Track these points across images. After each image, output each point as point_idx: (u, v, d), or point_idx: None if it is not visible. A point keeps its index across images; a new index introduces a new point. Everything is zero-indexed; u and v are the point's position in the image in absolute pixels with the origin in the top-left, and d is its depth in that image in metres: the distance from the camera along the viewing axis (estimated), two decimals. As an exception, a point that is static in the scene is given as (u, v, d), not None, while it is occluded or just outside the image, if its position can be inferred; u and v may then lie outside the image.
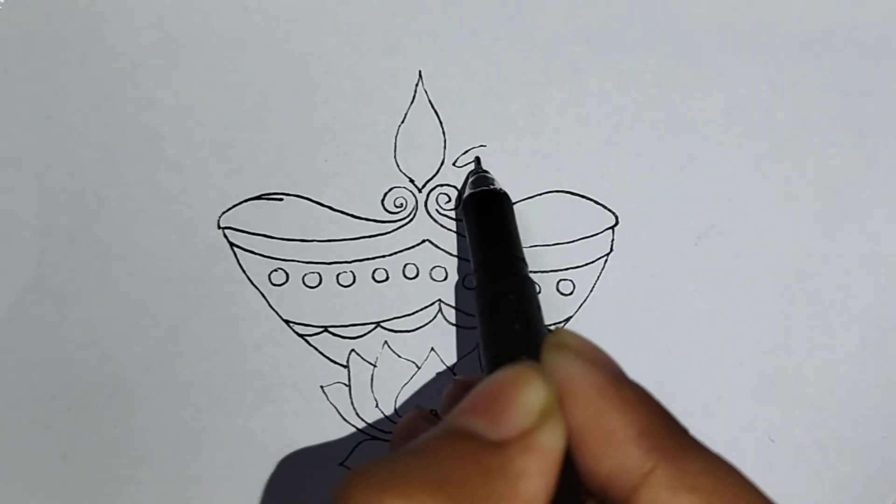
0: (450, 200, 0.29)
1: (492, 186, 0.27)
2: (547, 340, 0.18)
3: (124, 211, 0.29)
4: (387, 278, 0.30)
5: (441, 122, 0.29)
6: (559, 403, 0.18)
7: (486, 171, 0.28)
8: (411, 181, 0.29)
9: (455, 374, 0.31)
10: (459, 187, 0.29)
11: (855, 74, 0.29)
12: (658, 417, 0.17)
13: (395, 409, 0.31)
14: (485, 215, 0.26)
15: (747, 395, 0.31)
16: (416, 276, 0.30)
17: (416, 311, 0.30)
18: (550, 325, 0.30)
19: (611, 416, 0.17)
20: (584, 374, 0.18)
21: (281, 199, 0.29)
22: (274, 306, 0.30)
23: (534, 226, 0.29)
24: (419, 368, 0.31)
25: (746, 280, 0.30)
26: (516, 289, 0.23)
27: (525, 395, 0.17)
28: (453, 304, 0.30)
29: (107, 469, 0.31)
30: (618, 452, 0.17)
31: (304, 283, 0.29)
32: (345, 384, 0.31)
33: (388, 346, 0.30)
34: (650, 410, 0.17)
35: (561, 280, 0.30)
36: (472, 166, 0.29)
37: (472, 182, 0.28)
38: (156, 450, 0.31)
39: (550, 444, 0.17)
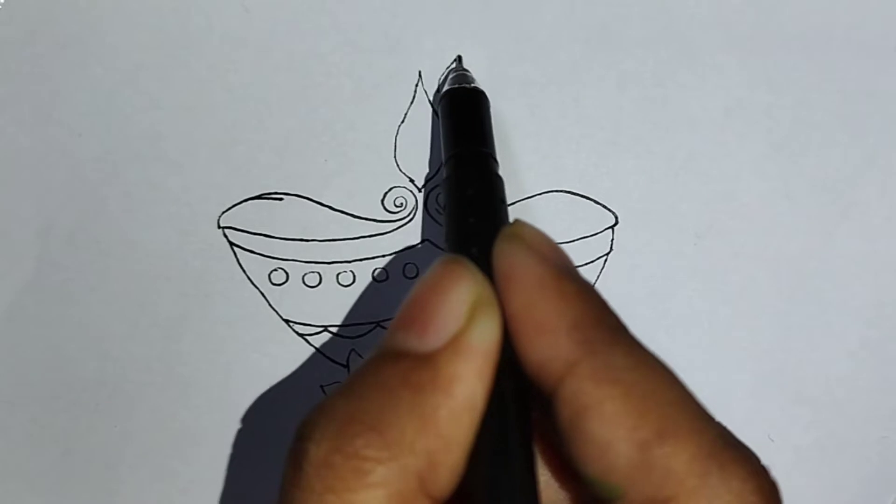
0: (450, 200, 0.29)
1: (470, 84, 0.26)
2: (502, 231, 0.18)
3: (124, 210, 0.29)
4: (387, 278, 0.30)
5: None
6: (496, 295, 0.17)
7: (467, 70, 0.28)
8: (411, 181, 0.29)
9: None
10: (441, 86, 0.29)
11: (855, 74, 0.29)
12: (594, 311, 0.17)
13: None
14: (459, 111, 0.26)
15: (747, 395, 0.31)
16: (417, 275, 0.30)
17: (416, 311, 0.30)
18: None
19: (546, 306, 0.17)
20: (528, 264, 0.18)
21: (281, 199, 0.29)
22: (274, 306, 0.30)
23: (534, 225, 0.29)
24: (419, 368, 0.31)
25: (746, 279, 0.30)
26: (478, 183, 0.23)
27: (451, 296, 0.17)
28: (453, 304, 0.30)
29: (107, 468, 0.31)
30: (548, 342, 0.17)
31: (304, 282, 0.29)
32: (345, 384, 0.31)
33: (388, 346, 0.30)
34: (587, 304, 0.17)
35: (561, 280, 0.30)
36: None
37: (452, 79, 0.27)
38: (156, 450, 0.31)
39: (481, 341, 0.17)
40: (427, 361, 0.16)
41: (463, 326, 0.17)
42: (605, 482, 0.16)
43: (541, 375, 0.17)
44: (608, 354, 0.16)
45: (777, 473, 0.32)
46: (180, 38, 0.28)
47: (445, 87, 0.27)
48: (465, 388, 0.16)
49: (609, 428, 0.16)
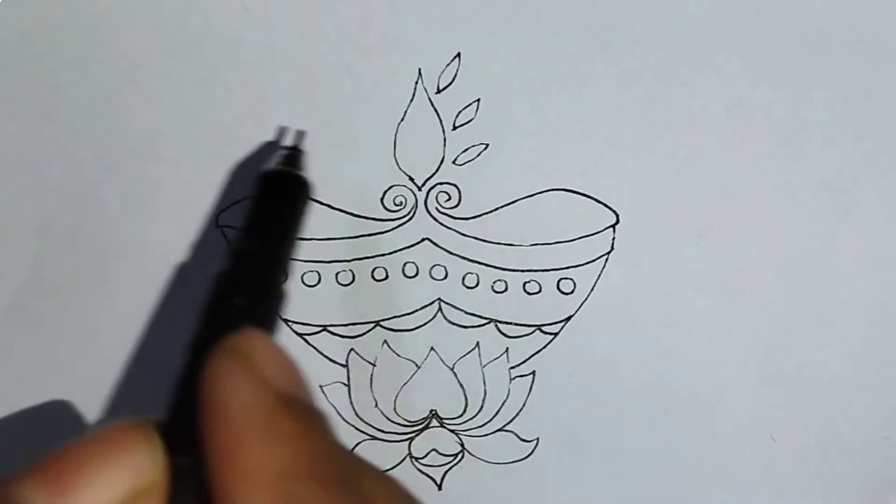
0: (450, 199, 0.29)
1: (294, 170, 0.24)
2: (227, 340, 0.16)
3: (123, 209, 0.29)
4: (386, 277, 0.30)
5: (441, 121, 0.29)
6: (162, 494, 0.15)
7: (300, 152, 0.26)
8: (411, 179, 0.29)
9: (455, 373, 0.31)
10: (459, 186, 0.29)
11: (855, 73, 0.29)
12: (309, 460, 0.15)
13: (395, 409, 0.31)
14: (268, 197, 0.23)
15: (748, 395, 0.30)
16: (416, 274, 0.30)
17: (416, 311, 0.30)
18: (552, 323, 0.30)
19: (252, 449, 0.14)
20: (243, 390, 0.15)
21: (280, 198, 0.29)
22: (273, 305, 0.30)
23: (534, 224, 0.29)
24: (419, 368, 0.31)
25: (747, 279, 0.30)
26: (258, 281, 0.21)
27: (110, 467, 0.15)
28: (453, 303, 0.30)
29: (106, 469, 0.31)
30: (246, 492, 0.14)
31: (302, 281, 0.29)
32: (344, 384, 0.31)
33: (388, 346, 0.30)
34: (302, 449, 0.15)
35: (562, 279, 0.30)
36: (474, 163, 0.29)
37: (281, 158, 0.25)
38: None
39: None
40: None
41: None
42: None
43: None
44: None
45: (779, 473, 0.32)
46: (180, 37, 0.28)
47: (266, 167, 0.25)
48: None
49: None
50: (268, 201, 0.23)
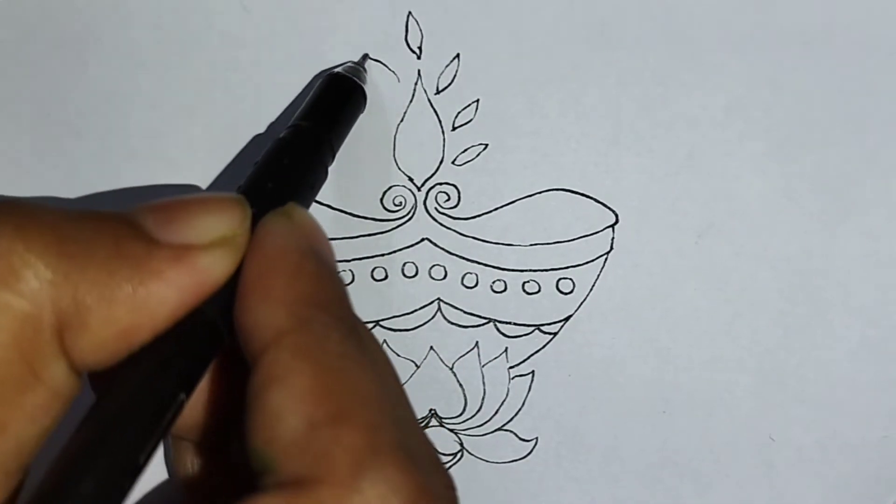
0: (449, 199, 0.29)
1: (358, 80, 0.27)
2: (277, 209, 0.19)
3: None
4: (386, 277, 0.30)
5: (440, 121, 0.29)
6: (241, 248, 0.18)
7: (362, 67, 0.28)
8: (410, 180, 0.29)
9: (454, 373, 0.31)
10: (458, 186, 0.29)
11: (855, 73, 0.29)
12: (325, 296, 0.17)
13: (395, 409, 0.31)
14: (333, 95, 0.26)
15: (748, 394, 0.30)
16: (416, 274, 0.30)
17: (416, 310, 0.30)
18: (551, 322, 0.30)
19: (279, 275, 0.17)
20: (281, 235, 0.18)
21: (280, 198, 0.29)
22: (273, 305, 0.30)
23: (534, 224, 0.29)
24: (418, 367, 0.31)
25: (746, 279, 0.30)
26: (302, 161, 0.23)
27: (215, 213, 0.17)
28: (452, 303, 0.30)
29: (106, 468, 0.31)
30: (267, 308, 0.17)
31: (303, 281, 0.29)
32: (344, 383, 0.31)
33: (387, 345, 0.30)
34: (321, 287, 0.17)
35: (561, 279, 0.30)
36: (473, 163, 0.29)
37: (346, 68, 0.27)
38: (156, 450, 0.31)
39: (204, 267, 0.17)
40: (148, 244, 0.16)
41: (200, 244, 0.17)
42: (263, 452, 0.15)
43: (250, 341, 0.17)
44: (320, 336, 0.16)
45: (777, 473, 0.32)
46: (180, 37, 0.28)
47: (338, 70, 0.27)
48: (161, 290, 0.16)
49: (287, 399, 0.15)
50: (326, 98, 0.26)
